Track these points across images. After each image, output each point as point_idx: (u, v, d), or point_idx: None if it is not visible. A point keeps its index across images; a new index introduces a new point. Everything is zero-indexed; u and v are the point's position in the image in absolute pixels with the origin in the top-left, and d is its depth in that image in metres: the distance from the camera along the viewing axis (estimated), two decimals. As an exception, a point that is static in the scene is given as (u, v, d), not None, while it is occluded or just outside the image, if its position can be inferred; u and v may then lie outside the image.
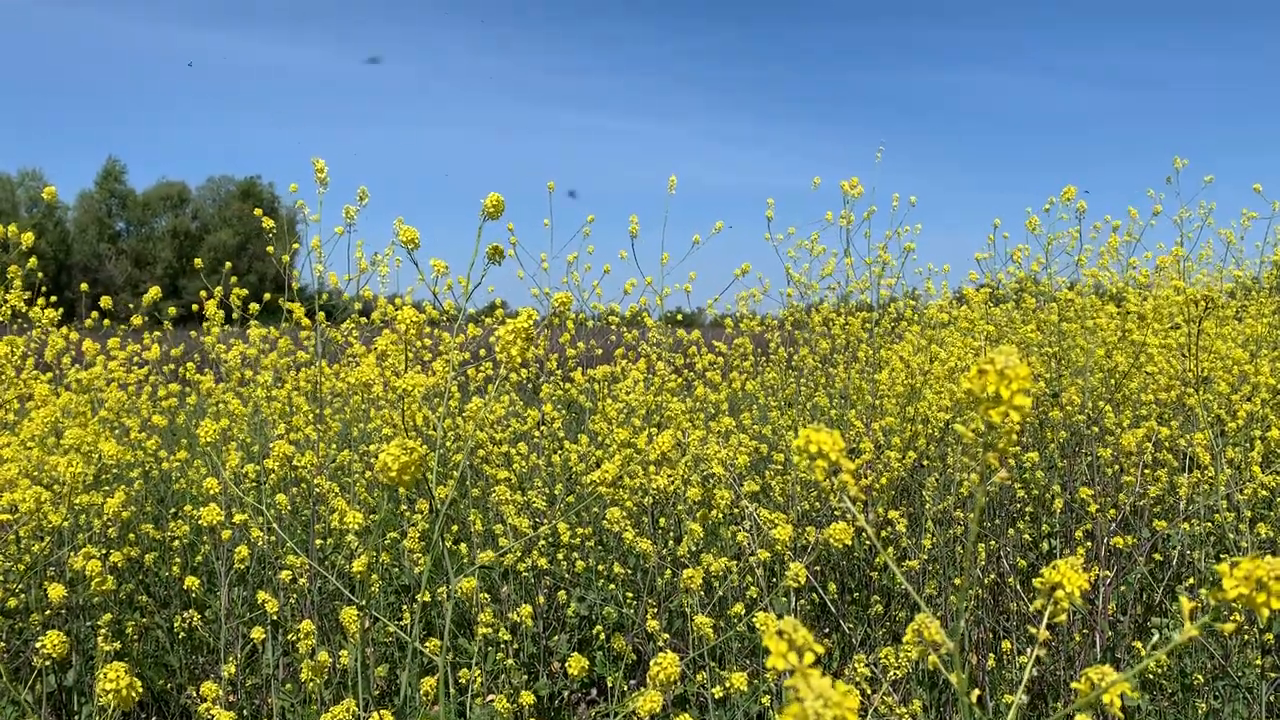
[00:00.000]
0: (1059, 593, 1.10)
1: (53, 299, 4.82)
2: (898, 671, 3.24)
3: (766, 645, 0.88)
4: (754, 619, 3.07)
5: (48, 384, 4.25)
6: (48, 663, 2.21)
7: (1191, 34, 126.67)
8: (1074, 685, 1.07)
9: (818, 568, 4.67)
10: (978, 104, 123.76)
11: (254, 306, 4.93)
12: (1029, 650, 4.11)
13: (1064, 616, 1.13)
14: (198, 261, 5.51)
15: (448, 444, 5.11)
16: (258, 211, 4.38)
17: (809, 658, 0.87)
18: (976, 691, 3.28)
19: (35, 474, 3.58)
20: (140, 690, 1.42)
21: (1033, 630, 1.19)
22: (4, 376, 3.98)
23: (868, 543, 4.67)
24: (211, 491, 3.51)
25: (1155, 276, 4.94)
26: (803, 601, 4.25)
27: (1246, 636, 3.77)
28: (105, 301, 5.05)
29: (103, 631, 3.12)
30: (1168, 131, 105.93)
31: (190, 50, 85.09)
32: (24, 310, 4.42)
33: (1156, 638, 1.00)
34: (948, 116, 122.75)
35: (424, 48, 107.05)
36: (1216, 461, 4.09)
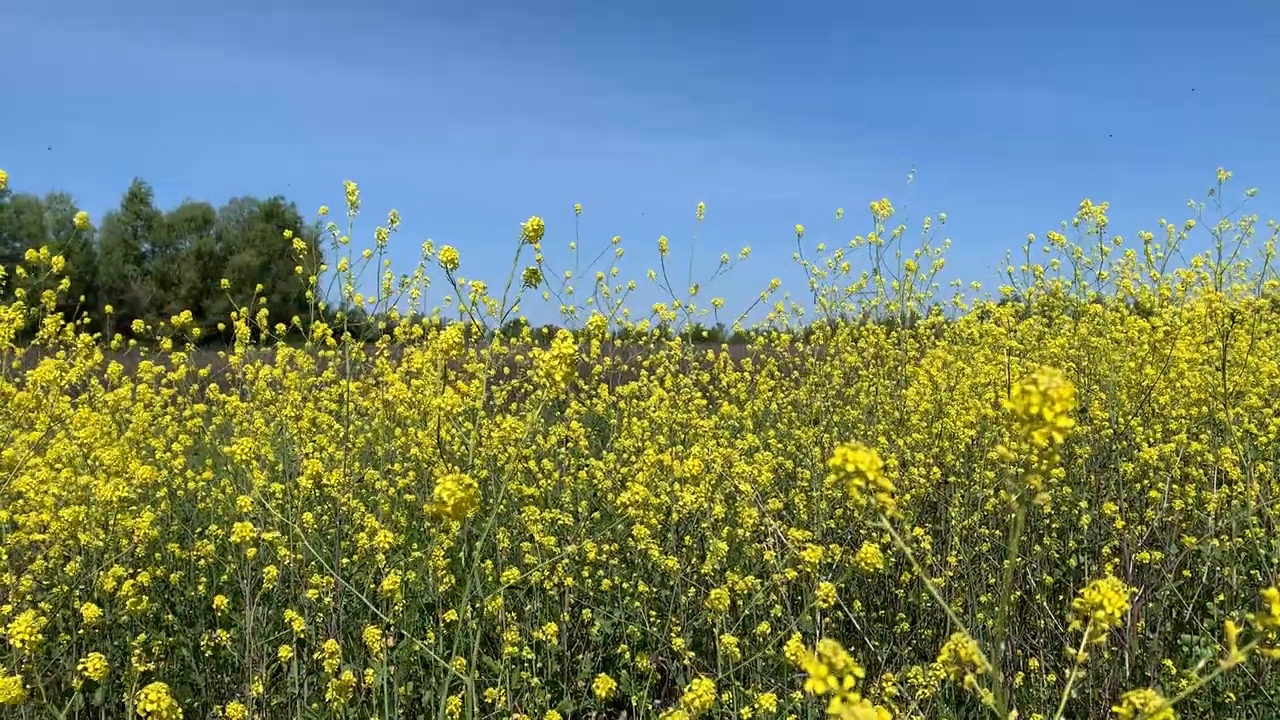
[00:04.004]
0: (1099, 613, 1.08)
1: (81, 321, 4.88)
2: (926, 691, 3.22)
3: (805, 668, 0.87)
4: (782, 639, 3.06)
5: (72, 405, 4.28)
6: (80, 682, 2.23)
7: (1215, 47, 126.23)
8: (1115, 710, 1.05)
9: (842, 585, 4.64)
10: (994, 118, 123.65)
11: (280, 327, 4.97)
12: (1066, 670, 4.06)
13: (1103, 638, 1.12)
14: (224, 282, 5.56)
15: (475, 462, 5.12)
16: (287, 233, 4.42)
17: (849, 681, 0.86)
18: (1014, 713, 3.25)
19: (64, 495, 3.60)
20: (180, 713, 1.43)
21: (1070, 651, 1.18)
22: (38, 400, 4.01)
23: (893, 560, 4.64)
24: (244, 510, 3.53)
25: (1181, 291, 4.89)
26: (828, 620, 4.23)
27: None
28: (138, 325, 5.11)
29: (137, 652, 3.14)
30: (1173, 142, 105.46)
31: (212, 73, 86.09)
32: (68, 338, 4.49)
33: (1200, 662, 0.99)
34: (964, 130, 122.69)
35: (440, 69, 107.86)
36: (1247, 476, 4.05)
